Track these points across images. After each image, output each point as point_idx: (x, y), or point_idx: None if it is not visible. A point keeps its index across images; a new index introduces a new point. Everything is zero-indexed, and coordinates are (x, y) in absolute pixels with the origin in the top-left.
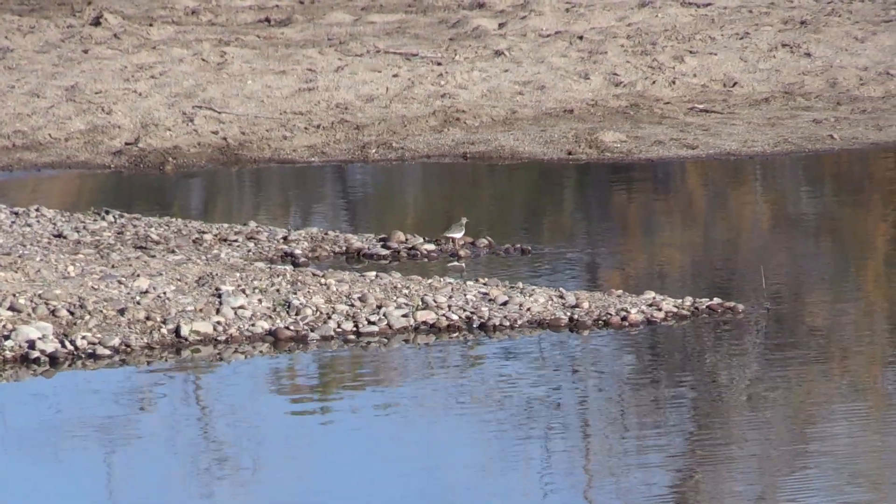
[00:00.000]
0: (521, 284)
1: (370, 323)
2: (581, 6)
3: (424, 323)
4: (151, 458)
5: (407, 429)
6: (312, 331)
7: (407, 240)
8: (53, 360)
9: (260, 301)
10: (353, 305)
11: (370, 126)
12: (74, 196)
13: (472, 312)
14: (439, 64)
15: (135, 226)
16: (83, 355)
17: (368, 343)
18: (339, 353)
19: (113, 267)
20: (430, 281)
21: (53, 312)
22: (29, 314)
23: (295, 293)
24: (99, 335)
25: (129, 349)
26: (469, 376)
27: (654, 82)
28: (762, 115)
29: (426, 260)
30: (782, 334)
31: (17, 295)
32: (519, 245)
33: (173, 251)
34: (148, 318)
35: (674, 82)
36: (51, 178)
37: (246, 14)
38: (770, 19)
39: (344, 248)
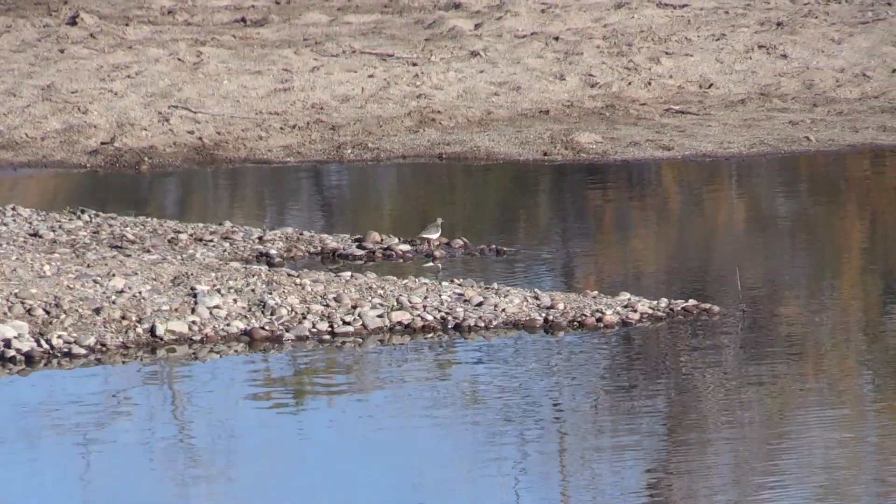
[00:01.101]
0: (496, 285)
1: (345, 323)
2: (557, 7)
3: (399, 323)
4: (126, 457)
5: (381, 429)
6: (287, 331)
7: (382, 240)
8: (29, 358)
9: (235, 301)
10: (328, 306)
11: (346, 126)
12: (50, 195)
13: (447, 313)
14: (415, 64)
15: (110, 225)
16: (59, 354)
17: (343, 343)
18: (315, 353)
19: (88, 266)
20: (405, 281)
21: (29, 311)
22: (5, 313)
23: (270, 293)
24: (75, 334)
25: (104, 348)
26: (444, 377)
27: (629, 83)
28: (738, 116)
29: (401, 260)
30: (757, 336)
31: None
32: (494, 246)
33: (149, 251)
34: (123, 318)
35: (650, 83)
36: (27, 177)
37: (222, 14)
38: (746, 21)
39: (319, 249)
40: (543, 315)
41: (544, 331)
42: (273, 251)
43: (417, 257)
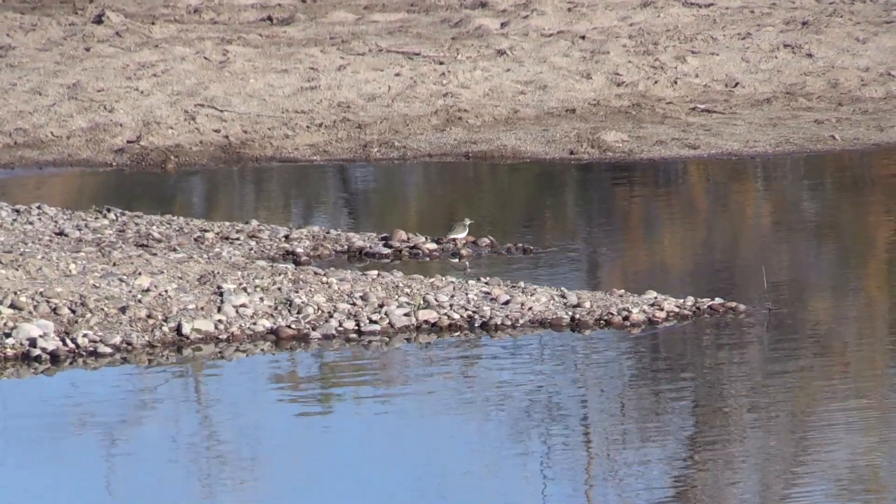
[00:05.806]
0: (522, 283)
1: (372, 322)
2: (583, 6)
3: (426, 322)
4: (152, 456)
5: (407, 428)
6: (314, 329)
7: (409, 239)
8: (55, 357)
9: (261, 299)
10: (354, 304)
11: (372, 125)
12: (76, 194)
13: (473, 311)
14: (441, 63)
15: (136, 224)
16: (84, 353)
17: (370, 342)
18: (341, 351)
19: (114, 265)
20: (431, 280)
21: (55, 310)
22: (30, 312)
23: (296, 292)
24: (100, 333)
25: (130, 347)
26: (470, 376)
27: (656, 82)
28: (764, 115)
29: (428, 259)
30: (783, 335)
31: (19, 293)
32: (521, 244)
33: (175, 249)
34: (149, 317)
35: (676, 82)
36: (52, 176)
37: (248, 12)
38: (772, 20)
39: (346, 247)
40: (570, 313)
41: (571, 329)
42: (299, 249)
43: (444, 256)
